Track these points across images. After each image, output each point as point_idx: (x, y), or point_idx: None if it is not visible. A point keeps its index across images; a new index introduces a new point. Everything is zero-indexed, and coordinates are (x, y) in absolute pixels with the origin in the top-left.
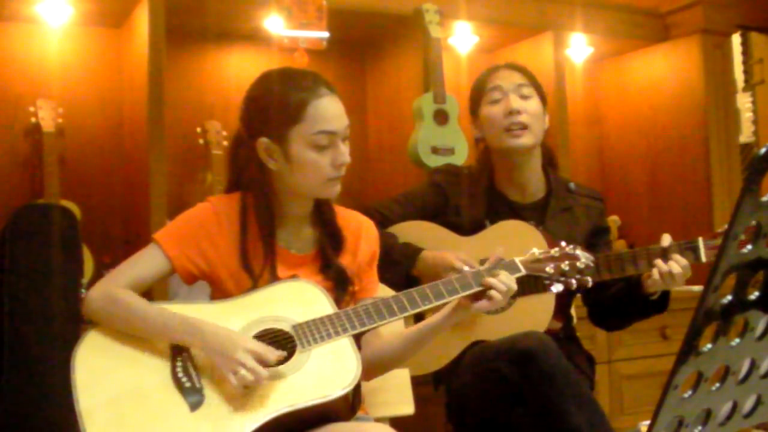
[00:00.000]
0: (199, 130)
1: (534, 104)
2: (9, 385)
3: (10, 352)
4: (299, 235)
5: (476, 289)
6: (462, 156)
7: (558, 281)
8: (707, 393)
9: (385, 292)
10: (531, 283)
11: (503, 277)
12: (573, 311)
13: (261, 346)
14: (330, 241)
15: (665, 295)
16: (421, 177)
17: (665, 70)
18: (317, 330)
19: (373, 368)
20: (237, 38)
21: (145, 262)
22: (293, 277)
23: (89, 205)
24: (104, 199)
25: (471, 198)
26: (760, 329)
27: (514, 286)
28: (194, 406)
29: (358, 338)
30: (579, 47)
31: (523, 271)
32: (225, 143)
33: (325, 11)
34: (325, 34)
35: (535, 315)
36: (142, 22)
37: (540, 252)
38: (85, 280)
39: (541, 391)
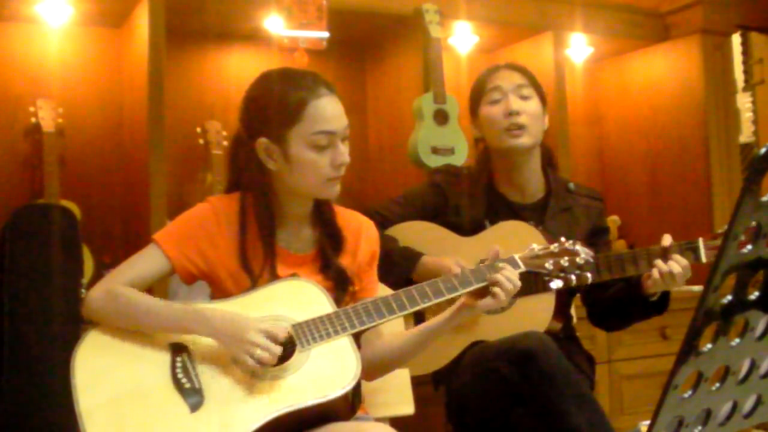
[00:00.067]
0: (199, 130)
1: (533, 105)
2: (9, 385)
3: (10, 352)
4: (299, 235)
5: (475, 286)
6: (462, 156)
7: (557, 277)
8: (707, 393)
9: (385, 292)
10: (531, 283)
11: (508, 271)
12: (573, 311)
13: (269, 325)
14: (330, 242)
15: (665, 296)
16: (421, 177)
17: (665, 70)
18: (316, 329)
19: (375, 368)
20: (237, 38)
21: (145, 262)
22: (293, 275)
23: (89, 205)
24: (104, 199)
25: (471, 198)
26: (760, 329)
27: (518, 282)
28: (194, 407)
29: (357, 337)
30: (579, 47)
31: (523, 268)
32: (225, 143)
33: (325, 11)
34: (325, 34)
35: (534, 315)
36: (142, 22)
37: (539, 248)
38: (85, 280)
39: (541, 391)
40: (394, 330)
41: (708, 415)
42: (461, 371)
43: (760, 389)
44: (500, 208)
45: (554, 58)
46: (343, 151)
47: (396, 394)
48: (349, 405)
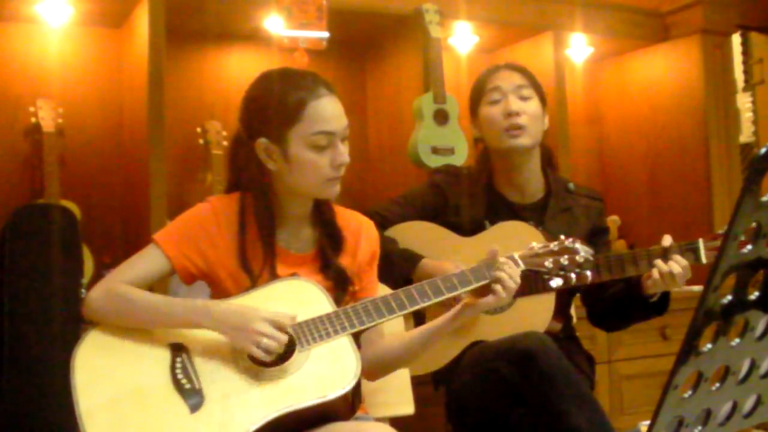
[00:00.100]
0: (199, 130)
1: (533, 105)
2: (9, 385)
3: (10, 352)
4: (299, 235)
5: (475, 285)
6: (462, 156)
7: (557, 275)
8: (707, 393)
9: (385, 292)
10: (531, 283)
11: (510, 268)
12: (573, 311)
13: (273, 313)
14: (330, 242)
15: (665, 297)
16: (421, 177)
17: (665, 70)
18: (316, 329)
19: (377, 368)
20: (237, 38)
21: (145, 262)
22: (293, 275)
23: (89, 205)
24: (104, 199)
25: (470, 198)
26: (760, 329)
27: (518, 279)
28: (194, 408)
29: (357, 337)
30: (579, 47)
31: (523, 266)
32: (225, 143)
33: (325, 11)
34: (325, 34)
35: (534, 315)
36: (142, 22)
37: (539, 246)
38: (85, 280)
39: (541, 391)
40: (394, 330)
41: (708, 415)
42: (461, 371)
43: (760, 389)
44: (500, 209)
45: (554, 58)
46: (343, 151)
47: (396, 394)
48: (349, 405)
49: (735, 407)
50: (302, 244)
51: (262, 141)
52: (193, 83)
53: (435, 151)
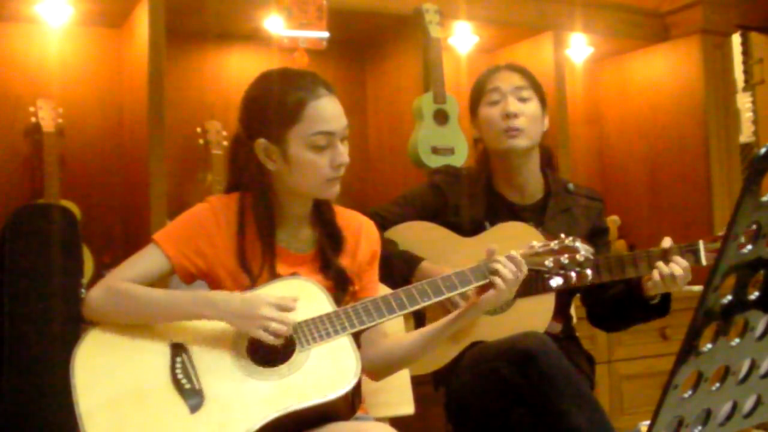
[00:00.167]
0: (199, 130)
1: (532, 107)
2: (9, 385)
3: (10, 352)
4: (298, 235)
5: (475, 284)
6: (462, 156)
7: (557, 274)
8: (707, 393)
9: (385, 292)
10: (531, 283)
11: (507, 260)
12: (573, 311)
13: (277, 297)
14: (329, 242)
15: (666, 299)
16: (421, 177)
17: (665, 70)
18: (316, 329)
19: (380, 368)
20: (237, 38)
21: (145, 262)
22: (293, 274)
23: (89, 205)
24: (104, 199)
25: (470, 199)
26: (760, 329)
27: (514, 268)
28: (194, 408)
29: (357, 337)
30: (579, 47)
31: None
32: (225, 143)
33: (325, 11)
34: (325, 34)
35: (534, 316)
36: (142, 22)
37: (539, 245)
38: (85, 280)
39: (541, 392)
40: (394, 329)
41: (708, 415)
42: (461, 371)
43: (760, 389)
44: (500, 209)
45: (554, 58)
46: (343, 151)
47: (396, 394)
48: (349, 405)
49: (735, 407)
50: (302, 244)
51: (261, 141)
52: (193, 83)
53: (435, 151)
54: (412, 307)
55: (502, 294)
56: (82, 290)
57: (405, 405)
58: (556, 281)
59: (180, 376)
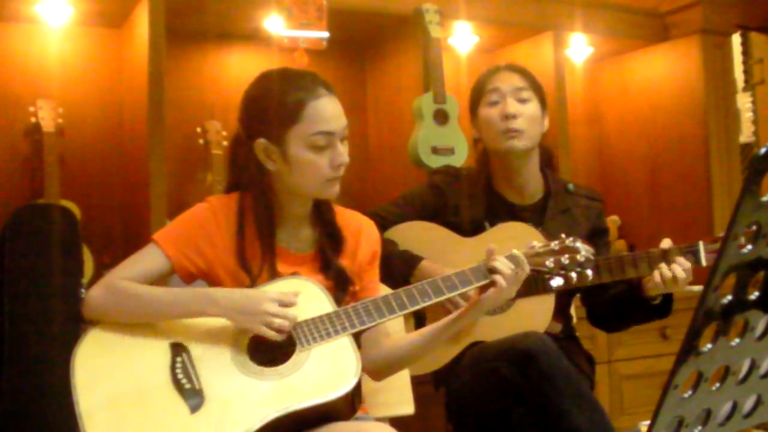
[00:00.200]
0: (199, 130)
1: (531, 108)
2: (9, 385)
3: (10, 352)
4: (298, 235)
5: (475, 285)
6: (462, 156)
7: (558, 275)
8: (707, 393)
9: (386, 292)
10: (531, 284)
11: (506, 259)
12: (573, 311)
13: (279, 293)
14: (330, 242)
15: (668, 300)
16: (421, 177)
17: (665, 70)
18: (317, 329)
19: (382, 368)
20: (237, 38)
21: (144, 261)
22: (294, 274)
23: (89, 205)
24: (104, 199)
25: (470, 199)
26: (760, 329)
27: (522, 269)
28: (194, 408)
29: (357, 336)
30: (579, 47)
31: (523, 258)
32: (225, 143)
33: (325, 11)
34: (325, 34)
35: (534, 316)
36: (142, 22)
37: (540, 245)
38: (85, 280)
39: (541, 391)
40: (394, 329)
41: (708, 415)
42: (461, 371)
43: (760, 389)
44: (499, 209)
45: (554, 58)
46: (342, 151)
47: (396, 394)
48: (349, 405)
49: (735, 407)
50: (302, 244)
51: (261, 141)
52: (193, 83)
53: (435, 151)
54: (412, 307)
55: (503, 292)
56: (82, 290)
57: (405, 405)
58: (556, 282)
59: (180, 375)
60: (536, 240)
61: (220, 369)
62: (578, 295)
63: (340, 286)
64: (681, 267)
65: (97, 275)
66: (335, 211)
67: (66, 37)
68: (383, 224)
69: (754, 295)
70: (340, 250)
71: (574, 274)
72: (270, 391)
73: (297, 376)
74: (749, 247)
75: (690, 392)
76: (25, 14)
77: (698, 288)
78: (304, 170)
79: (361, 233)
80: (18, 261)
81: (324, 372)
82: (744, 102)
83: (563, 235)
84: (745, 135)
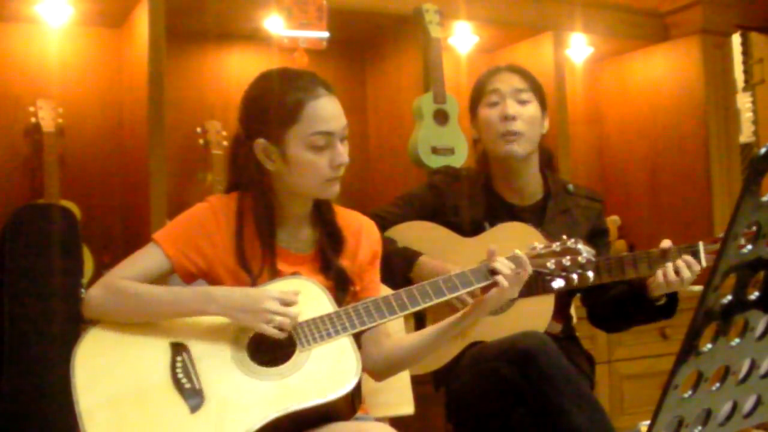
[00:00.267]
0: (199, 130)
1: (531, 110)
2: (9, 385)
3: (10, 352)
4: (298, 235)
5: (476, 285)
6: (462, 156)
7: (559, 276)
8: (707, 393)
9: (386, 292)
10: (531, 284)
11: (507, 260)
12: (573, 311)
13: (280, 291)
14: (330, 242)
15: (673, 300)
16: (421, 177)
17: (665, 70)
18: (317, 329)
19: (384, 368)
20: (237, 38)
21: (144, 261)
22: (295, 273)
23: (89, 205)
24: (104, 199)
25: (469, 199)
26: (760, 329)
27: (524, 270)
28: (194, 408)
29: (357, 337)
30: (579, 47)
31: (526, 259)
32: (225, 143)
33: (325, 11)
34: (325, 34)
35: (534, 316)
36: (142, 22)
37: (541, 247)
38: (85, 280)
39: (541, 391)
40: (395, 330)
41: (708, 415)
42: (461, 371)
43: (760, 389)
44: (499, 210)
45: (554, 58)
46: (342, 151)
47: (396, 394)
48: (349, 405)
49: (735, 407)
50: (302, 244)
51: (260, 141)
52: (193, 83)
53: (435, 151)
54: (413, 307)
55: (505, 293)
56: (82, 290)
57: (405, 405)
58: (557, 283)
59: (180, 375)
60: (536, 240)
61: (220, 369)
62: (578, 296)
63: (341, 286)
64: (688, 266)
65: (97, 275)
66: (335, 211)
67: (66, 37)
68: (383, 224)
69: (754, 295)
70: (341, 251)
71: (575, 276)
72: (270, 391)
73: (297, 377)
74: (749, 247)
75: (690, 392)
76: (25, 14)
77: (698, 288)
78: (303, 170)
79: (361, 233)
80: (18, 261)
81: (324, 372)
82: (744, 102)
83: (565, 237)
84: (745, 135)
